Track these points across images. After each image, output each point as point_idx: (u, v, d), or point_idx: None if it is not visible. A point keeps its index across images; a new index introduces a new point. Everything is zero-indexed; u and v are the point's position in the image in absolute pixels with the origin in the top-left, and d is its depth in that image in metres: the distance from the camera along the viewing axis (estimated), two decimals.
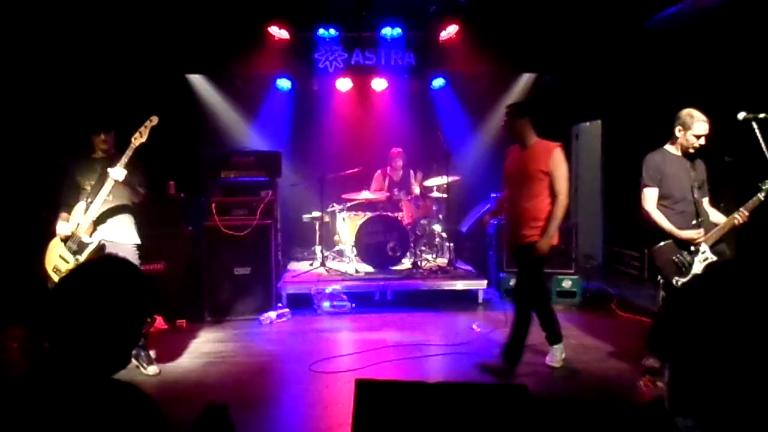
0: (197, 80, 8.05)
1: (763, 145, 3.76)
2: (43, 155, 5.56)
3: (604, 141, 7.95)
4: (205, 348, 5.01)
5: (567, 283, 6.47)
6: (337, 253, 7.54)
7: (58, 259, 4.16)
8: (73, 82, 6.19)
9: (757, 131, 3.79)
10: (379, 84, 8.32)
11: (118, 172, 4.02)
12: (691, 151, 4.03)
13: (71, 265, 4.06)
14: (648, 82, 6.71)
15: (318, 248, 7.36)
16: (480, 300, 6.45)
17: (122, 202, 4.28)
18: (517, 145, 4.32)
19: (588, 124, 8.34)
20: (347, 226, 7.20)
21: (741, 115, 3.89)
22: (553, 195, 4.12)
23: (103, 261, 1.64)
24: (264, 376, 4.39)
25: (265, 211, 6.03)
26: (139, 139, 4.10)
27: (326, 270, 6.91)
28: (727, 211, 4.08)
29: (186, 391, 4.01)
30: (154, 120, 4.18)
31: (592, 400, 3.86)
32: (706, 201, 4.16)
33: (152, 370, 4.34)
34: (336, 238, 7.62)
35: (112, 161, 4.09)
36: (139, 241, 4.38)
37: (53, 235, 4.19)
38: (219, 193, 6.12)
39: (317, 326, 5.65)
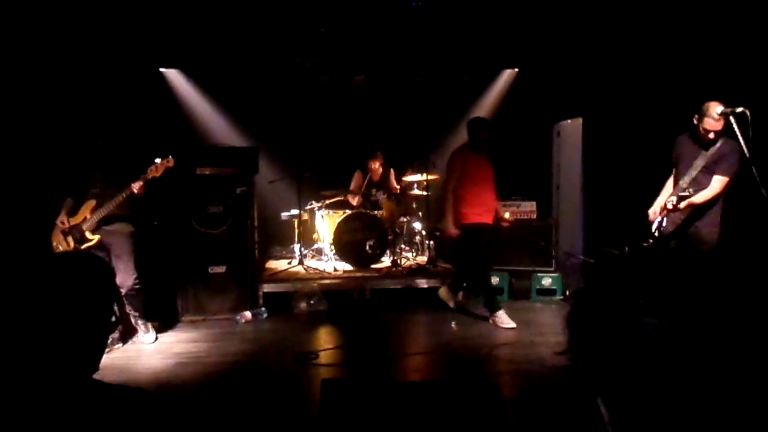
0: (172, 75, 7.88)
1: (740, 139, 3.73)
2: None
3: (584, 139, 7.93)
4: (177, 348, 4.88)
5: (547, 281, 6.44)
6: (315, 251, 7.43)
7: (61, 239, 4.64)
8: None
9: (734, 126, 3.76)
10: (358, 80, 8.20)
11: (139, 187, 4.58)
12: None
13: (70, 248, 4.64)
14: (630, 81, 6.68)
15: (297, 246, 7.24)
16: (459, 298, 6.37)
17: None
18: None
19: (569, 121, 8.31)
20: (326, 224, 7.10)
21: (719, 110, 3.87)
22: None
23: (76, 255, 1.57)
24: (237, 375, 4.27)
25: (241, 208, 5.91)
26: (153, 173, 4.64)
27: (305, 269, 6.80)
28: None
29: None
30: (171, 162, 4.73)
31: (565, 397, 3.80)
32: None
33: (149, 338, 4.95)
34: (315, 236, 7.51)
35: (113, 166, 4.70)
36: (134, 229, 4.84)
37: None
38: (193, 190, 5.97)
39: (294, 325, 5.54)
